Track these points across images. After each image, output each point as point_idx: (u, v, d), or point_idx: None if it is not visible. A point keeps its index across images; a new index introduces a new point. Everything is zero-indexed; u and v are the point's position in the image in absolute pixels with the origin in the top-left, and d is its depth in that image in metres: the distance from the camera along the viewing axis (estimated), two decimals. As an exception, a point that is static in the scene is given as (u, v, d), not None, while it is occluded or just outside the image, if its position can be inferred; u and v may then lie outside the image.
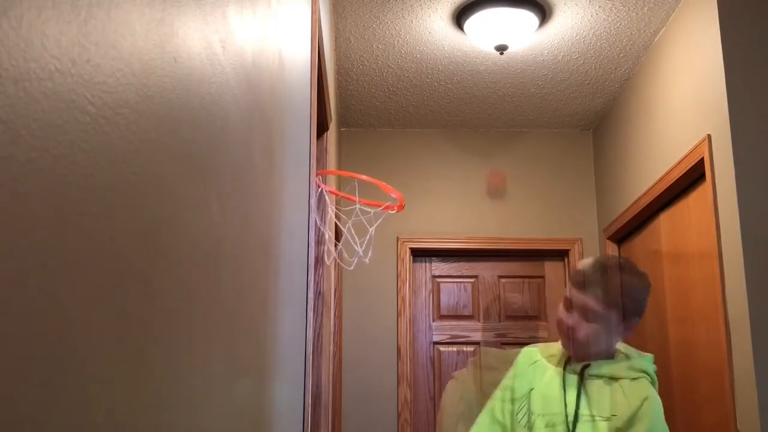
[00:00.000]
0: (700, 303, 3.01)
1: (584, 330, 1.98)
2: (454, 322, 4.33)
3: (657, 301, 3.49)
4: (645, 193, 3.51)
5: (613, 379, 1.95)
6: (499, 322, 4.33)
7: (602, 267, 2.03)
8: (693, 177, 3.05)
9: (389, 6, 3.21)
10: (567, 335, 2.02)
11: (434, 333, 4.31)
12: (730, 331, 2.62)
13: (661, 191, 3.30)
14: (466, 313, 4.34)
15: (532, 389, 2.02)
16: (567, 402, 1.95)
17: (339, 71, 3.75)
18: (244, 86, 1.00)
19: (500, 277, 4.39)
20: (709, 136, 2.80)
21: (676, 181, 3.14)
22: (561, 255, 4.37)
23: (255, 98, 1.08)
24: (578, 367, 2.00)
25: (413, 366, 4.21)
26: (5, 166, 0.38)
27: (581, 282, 2.01)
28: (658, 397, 1.93)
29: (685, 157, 3.02)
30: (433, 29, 3.38)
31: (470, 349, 4.29)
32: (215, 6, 0.83)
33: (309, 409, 1.74)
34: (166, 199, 0.65)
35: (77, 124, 0.47)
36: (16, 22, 0.39)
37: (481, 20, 3.21)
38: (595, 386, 1.96)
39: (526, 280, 4.38)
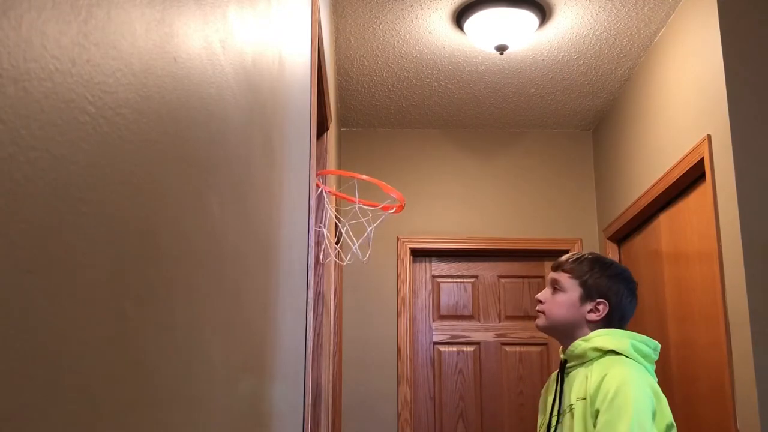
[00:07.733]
0: (700, 303, 3.00)
1: (550, 302, 1.98)
2: (454, 322, 4.33)
3: (657, 301, 3.49)
4: (645, 193, 3.51)
5: (585, 362, 1.87)
6: (499, 322, 4.33)
7: (582, 255, 2.01)
8: (693, 177, 3.05)
9: (389, 6, 3.21)
10: (537, 312, 2.03)
11: (434, 333, 4.31)
12: (730, 331, 2.62)
13: (661, 191, 3.30)
14: (466, 313, 4.34)
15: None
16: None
17: (339, 71, 3.74)
18: (244, 86, 1.00)
19: (500, 277, 4.38)
20: (709, 136, 2.80)
21: (676, 181, 3.14)
22: (561, 255, 4.36)
23: (255, 98, 1.08)
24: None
25: (413, 366, 4.21)
26: (5, 166, 0.38)
27: (558, 263, 2.03)
28: (632, 375, 1.79)
29: (685, 157, 3.02)
30: (433, 29, 3.38)
31: (470, 349, 4.29)
32: (215, 6, 0.83)
33: (309, 409, 1.74)
34: (166, 199, 0.65)
35: (77, 124, 0.47)
36: (16, 22, 0.39)
37: (481, 20, 3.21)
38: (571, 375, 1.90)
39: (526, 280, 4.38)
